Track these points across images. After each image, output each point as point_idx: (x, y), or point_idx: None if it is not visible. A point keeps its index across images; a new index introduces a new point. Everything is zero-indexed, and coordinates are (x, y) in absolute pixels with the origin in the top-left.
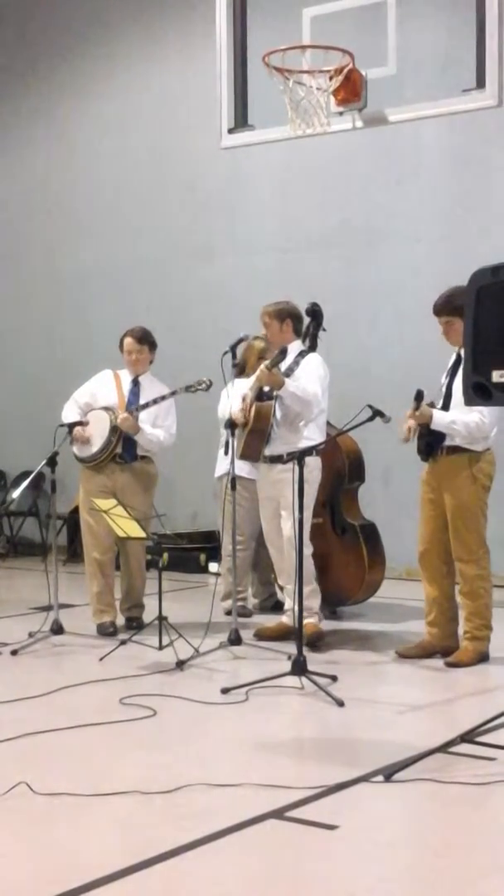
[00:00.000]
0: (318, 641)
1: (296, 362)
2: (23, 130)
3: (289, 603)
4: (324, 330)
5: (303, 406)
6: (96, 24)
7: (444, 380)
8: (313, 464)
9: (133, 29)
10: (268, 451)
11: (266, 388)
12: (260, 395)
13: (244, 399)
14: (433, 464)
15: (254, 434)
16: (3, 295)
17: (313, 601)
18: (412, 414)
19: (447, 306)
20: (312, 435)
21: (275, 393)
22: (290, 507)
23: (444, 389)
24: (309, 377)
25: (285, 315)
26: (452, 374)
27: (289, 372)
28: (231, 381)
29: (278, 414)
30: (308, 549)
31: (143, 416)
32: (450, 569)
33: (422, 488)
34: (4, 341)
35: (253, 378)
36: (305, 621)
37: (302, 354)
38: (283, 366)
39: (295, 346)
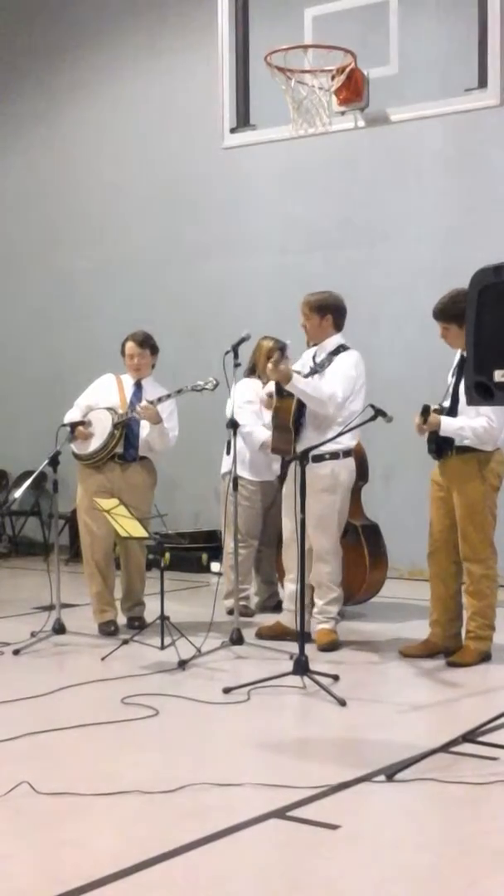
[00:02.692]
0: (331, 650)
1: (329, 359)
2: (23, 130)
3: (316, 607)
4: None
5: (316, 405)
6: (98, 23)
7: (450, 379)
8: (340, 468)
9: (135, 29)
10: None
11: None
12: (280, 391)
13: (271, 395)
14: (443, 463)
15: (278, 430)
16: (3, 295)
17: (333, 607)
18: (420, 426)
19: (444, 314)
20: (341, 437)
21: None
22: (318, 521)
23: (450, 390)
24: (333, 377)
25: (326, 309)
26: (458, 374)
27: (320, 367)
28: (234, 382)
29: (307, 412)
30: (336, 558)
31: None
32: (458, 569)
33: (431, 487)
34: (5, 342)
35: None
36: (321, 626)
37: (338, 351)
38: (317, 360)
39: (333, 341)
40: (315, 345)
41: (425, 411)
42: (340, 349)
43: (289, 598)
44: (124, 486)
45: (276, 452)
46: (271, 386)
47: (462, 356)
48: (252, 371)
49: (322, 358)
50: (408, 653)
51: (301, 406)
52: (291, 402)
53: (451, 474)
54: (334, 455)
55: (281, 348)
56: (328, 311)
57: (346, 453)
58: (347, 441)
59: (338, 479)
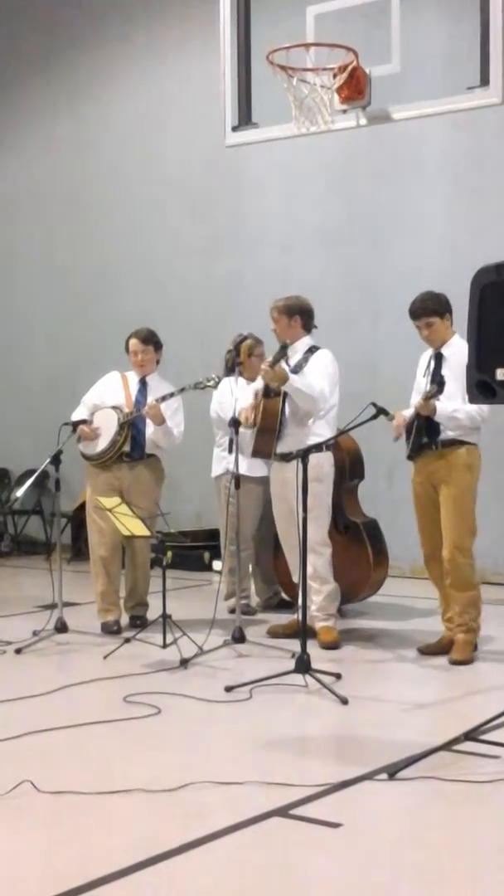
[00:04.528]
0: (334, 647)
1: (305, 359)
2: (25, 129)
3: (315, 605)
4: (315, 327)
5: (309, 402)
6: (100, 22)
7: (421, 379)
8: (324, 460)
9: (137, 27)
10: (279, 449)
11: (273, 385)
12: (267, 392)
13: (256, 396)
14: (427, 459)
15: (263, 432)
16: (6, 294)
17: (331, 603)
18: (421, 403)
19: (425, 309)
20: (322, 431)
21: (281, 389)
22: (308, 511)
23: (426, 388)
24: (317, 373)
25: (294, 311)
26: (435, 371)
27: (297, 368)
28: (235, 379)
29: (287, 411)
30: (328, 549)
31: None
32: (448, 555)
33: (415, 490)
34: (7, 340)
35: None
36: (322, 625)
37: (311, 351)
38: (292, 362)
39: (304, 343)
40: None
41: (430, 397)
42: (313, 349)
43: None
44: (132, 484)
45: (257, 455)
46: (257, 385)
47: (438, 354)
48: (232, 370)
49: (298, 359)
50: (426, 651)
51: (283, 405)
52: (278, 403)
53: (438, 468)
54: (318, 448)
55: (283, 347)
56: (296, 313)
57: (328, 446)
58: (327, 434)
59: (323, 470)
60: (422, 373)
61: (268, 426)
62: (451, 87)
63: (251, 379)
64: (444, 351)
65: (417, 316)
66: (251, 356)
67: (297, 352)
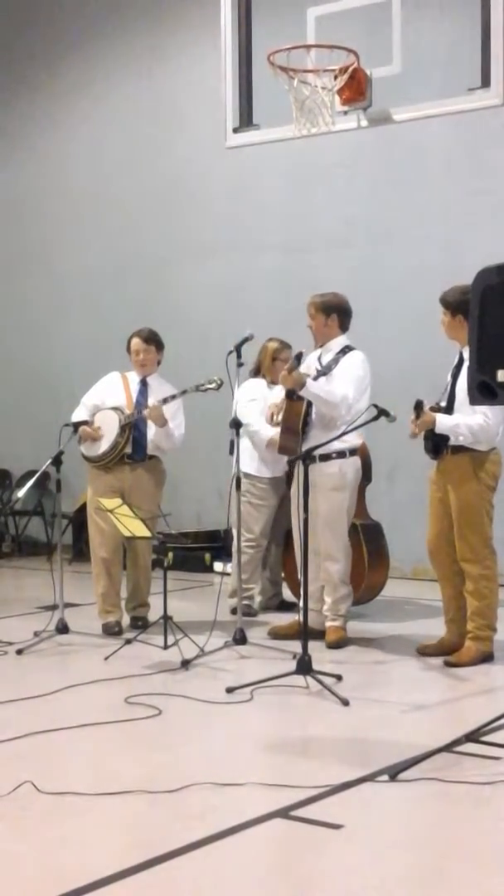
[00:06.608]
0: (339, 647)
1: (335, 360)
2: (26, 128)
3: (326, 605)
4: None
5: (328, 407)
6: (101, 22)
7: (448, 379)
8: (347, 467)
9: (138, 28)
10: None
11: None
12: (290, 394)
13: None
14: (440, 463)
15: (286, 432)
16: (6, 294)
17: (342, 604)
18: (414, 422)
19: (442, 299)
20: (347, 436)
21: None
22: (327, 519)
23: (447, 389)
24: (342, 378)
25: (332, 309)
26: (455, 374)
27: (327, 369)
28: (237, 382)
29: (314, 413)
30: (345, 555)
31: None
32: (461, 567)
33: (430, 487)
34: (8, 340)
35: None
36: (330, 624)
37: (344, 351)
38: (324, 360)
39: (339, 342)
40: (320, 346)
41: (418, 406)
42: (346, 350)
43: (311, 597)
44: (134, 486)
45: (283, 452)
46: (282, 392)
47: (461, 356)
48: (257, 371)
49: (329, 359)
50: (425, 651)
51: (309, 407)
52: (302, 405)
53: (447, 474)
54: (341, 454)
55: (297, 356)
56: (333, 311)
57: (353, 452)
58: (353, 439)
59: (346, 478)
60: (449, 373)
61: (290, 426)
62: (452, 88)
63: (275, 382)
64: (465, 353)
65: (440, 301)
66: (275, 360)
67: (330, 351)
